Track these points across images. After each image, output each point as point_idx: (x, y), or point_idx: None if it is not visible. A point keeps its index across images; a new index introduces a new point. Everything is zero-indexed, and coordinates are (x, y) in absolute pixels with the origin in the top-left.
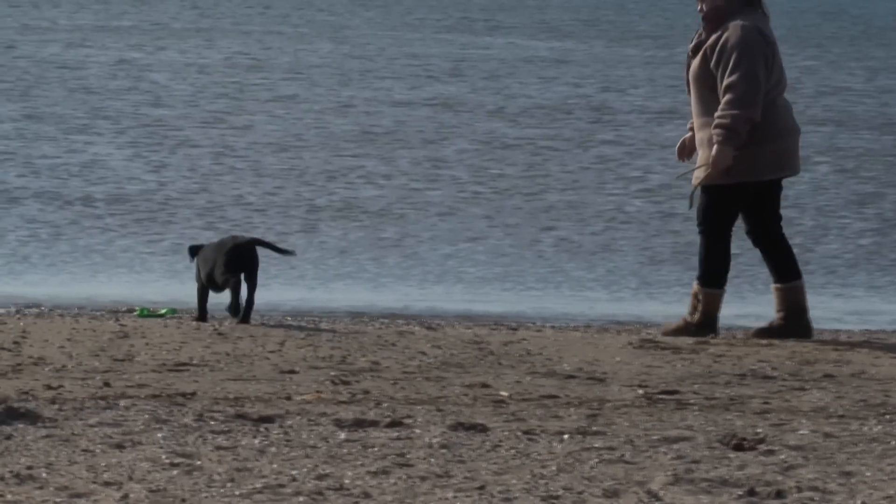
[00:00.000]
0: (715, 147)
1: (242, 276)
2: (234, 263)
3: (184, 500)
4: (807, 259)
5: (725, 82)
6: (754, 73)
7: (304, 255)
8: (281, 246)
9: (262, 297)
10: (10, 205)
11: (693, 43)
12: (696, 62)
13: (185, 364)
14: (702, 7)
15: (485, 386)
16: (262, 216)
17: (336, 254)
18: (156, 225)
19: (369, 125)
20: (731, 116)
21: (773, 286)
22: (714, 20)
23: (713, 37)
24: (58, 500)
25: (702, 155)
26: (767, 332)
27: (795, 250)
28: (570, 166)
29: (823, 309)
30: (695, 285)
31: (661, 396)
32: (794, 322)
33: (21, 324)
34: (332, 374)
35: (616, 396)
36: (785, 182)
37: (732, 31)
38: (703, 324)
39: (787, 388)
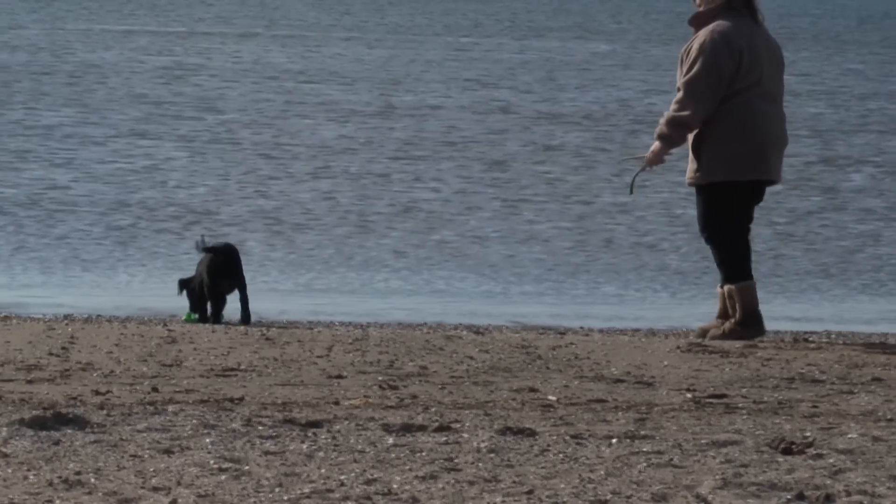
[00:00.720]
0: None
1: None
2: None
3: None
4: (853, 261)
5: (677, 84)
6: (698, 79)
7: (357, 258)
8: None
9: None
10: (75, 208)
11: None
12: (678, 69)
13: (233, 369)
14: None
15: (533, 390)
16: (316, 220)
17: (390, 255)
18: (209, 229)
19: (420, 129)
20: (665, 117)
21: (720, 289)
22: (696, 26)
23: (689, 42)
24: None
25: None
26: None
27: (840, 252)
28: (616, 168)
29: (873, 312)
30: (726, 288)
31: (709, 400)
32: (746, 323)
33: (69, 329)
34: (380, 378)
35: (664, 400)
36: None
37: (700, 36)
38: (746, 319)
39: (835, 392)
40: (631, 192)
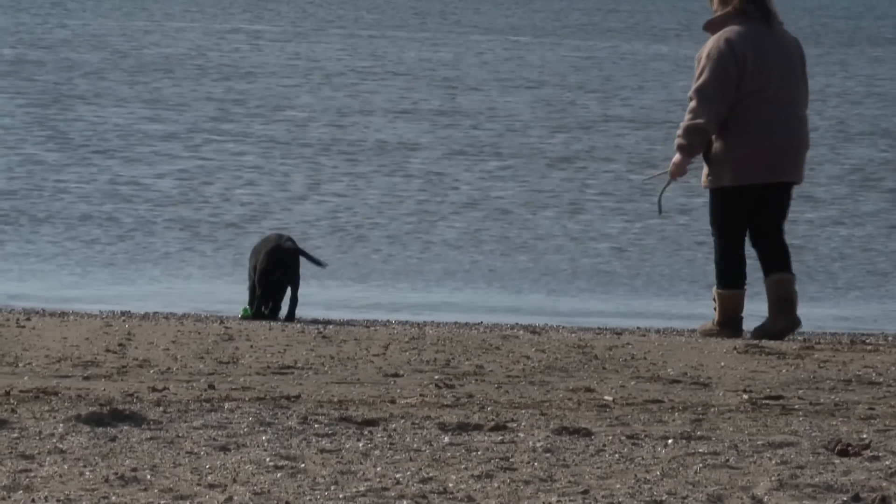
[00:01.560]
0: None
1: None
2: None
3: (287, 503)
4: None
5: (689, 93)
6: (707, 85)
7: (420, 254)
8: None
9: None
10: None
11: None
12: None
13: (289, 367)
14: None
15: (589, 390)
16: (382, 216)
17: (454, 251)
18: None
19: (480, 130)
20: (682, 127)
21: (765, 280)
22: (711, 31)
23: (702, 48)
24: (162, 501)
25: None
26: (761, 332)
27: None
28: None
29: None
30: (714, 290)
31: (765, 401)
32: (781, 314)
33: (126, 326)
34: (436, 377)
35: (720, 401)
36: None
37: (709, 43)
38: (725, 324)
39: (892, 394)
40: (660, 212)
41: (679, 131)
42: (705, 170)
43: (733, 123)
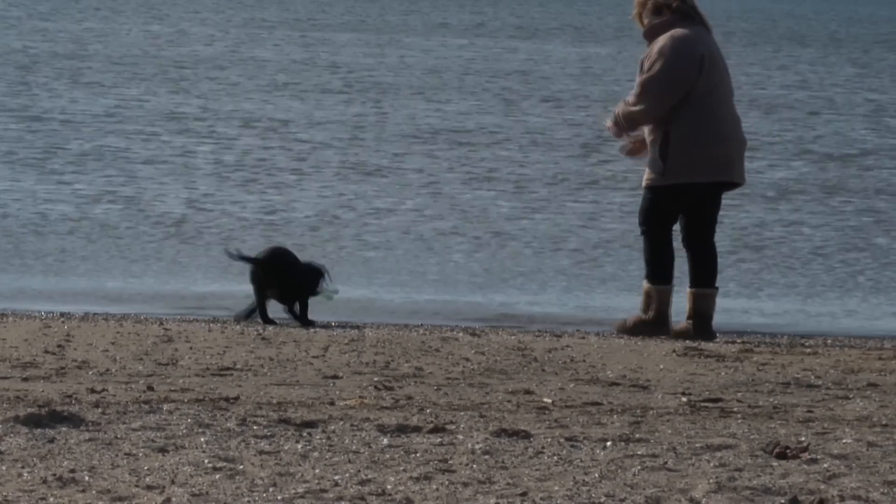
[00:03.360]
0: None
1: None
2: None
3: None
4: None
5: (638, 83)
6: (658, 79)
7: (361, 253)
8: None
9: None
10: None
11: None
12: (638, 76)
13: (228, 368)
14: (641, 25)
15: (528, 392)
16: (303, 209)
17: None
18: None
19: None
20: (618, 108)
21: (688, 290)
22: (652, 37)
23: (648, 48)
24: (100, 503)
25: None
26: (679, 335)
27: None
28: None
29: (867, 316)
30: (645, 284)
31: (704, 404)
32: (700, 328)
33: (65, 327)
34: (376, 379)
35: (659, 404)
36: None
37: (660, 41)
38: (657, 321)
39: (830, 397)
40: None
41: (616, 109)
42: (654, 167)
43: (693, 122)
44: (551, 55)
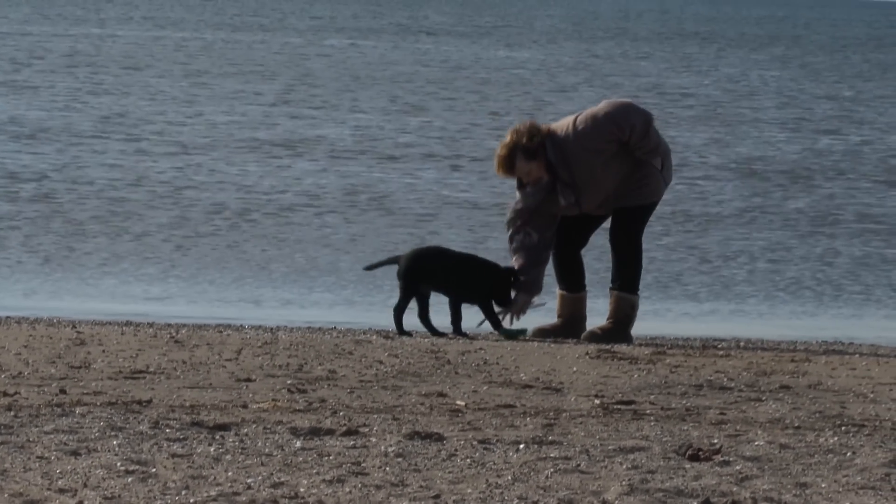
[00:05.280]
0: None
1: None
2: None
3: None
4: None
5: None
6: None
7: (271, 252)
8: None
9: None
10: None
11: None
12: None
13: (141, 372)
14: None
15: (441, 395)
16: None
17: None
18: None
19: None
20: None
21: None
22: (535, 157)
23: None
24: None
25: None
26: (597, 337)
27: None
28: None
29: (779, 323)
30: (621, 295)
31: (617, 406)
32: (618, 329)
33: None
34: (289, 382)
35: (572, 406)
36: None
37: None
38: (625, 326)
39: (743, 399)
40: None
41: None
42: (647, 188)
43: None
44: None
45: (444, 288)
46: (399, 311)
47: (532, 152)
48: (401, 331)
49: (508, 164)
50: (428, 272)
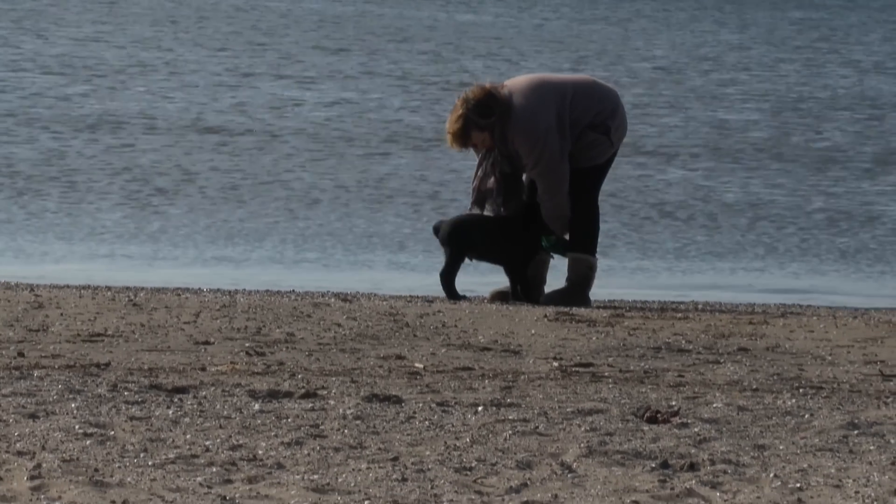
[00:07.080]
0: None
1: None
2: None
3: (97, 470)
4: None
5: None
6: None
7: (237, 219)
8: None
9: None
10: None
11: None
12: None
13: (99, 335)
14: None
15: (399, 358)
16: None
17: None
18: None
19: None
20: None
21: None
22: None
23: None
24: None
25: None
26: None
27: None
28: None
29: (740, 284)
30: (580, 257)
31: (575, 369)
32: (576, 291)
33: None
34: (247, 345)
35: (531, 369)
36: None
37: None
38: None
39: (701, 362)
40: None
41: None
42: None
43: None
44: None
45: (489, 256)
46: (449, 277)
47: (484, 126)
48: (455, 296)
49: (463, 137)
50: (471, 239)
